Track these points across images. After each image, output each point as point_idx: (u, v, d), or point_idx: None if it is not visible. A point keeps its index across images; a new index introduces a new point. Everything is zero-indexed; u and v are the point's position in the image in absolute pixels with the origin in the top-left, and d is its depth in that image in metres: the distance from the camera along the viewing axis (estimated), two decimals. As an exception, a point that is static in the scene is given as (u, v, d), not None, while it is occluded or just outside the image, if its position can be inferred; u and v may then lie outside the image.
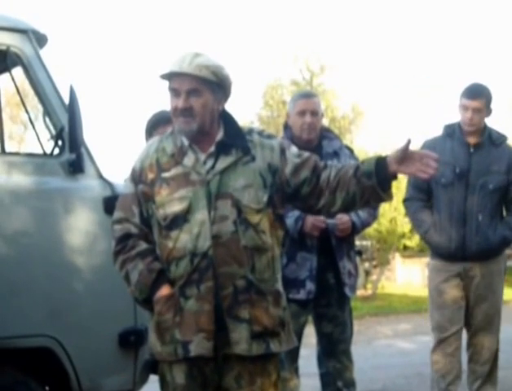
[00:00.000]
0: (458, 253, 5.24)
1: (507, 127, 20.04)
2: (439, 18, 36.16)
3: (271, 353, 3.28)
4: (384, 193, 3.24)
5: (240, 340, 3.18)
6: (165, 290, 3.23)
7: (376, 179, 3.20)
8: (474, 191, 5.21)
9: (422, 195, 5.40)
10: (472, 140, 5.27)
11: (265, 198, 3.25)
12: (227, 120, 3.36)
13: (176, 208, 3.22)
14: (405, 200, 5.54)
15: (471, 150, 5.26)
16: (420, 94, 23.26)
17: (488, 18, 36.15)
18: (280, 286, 3.35)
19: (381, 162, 3.21)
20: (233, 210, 3.19)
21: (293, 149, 3.39)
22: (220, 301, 3.17)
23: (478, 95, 5.23)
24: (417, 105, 23.11)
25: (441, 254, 5.34)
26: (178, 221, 3.21)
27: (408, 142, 3.15)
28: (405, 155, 3.17)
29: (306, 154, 3.37)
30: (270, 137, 3.40)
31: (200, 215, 3.19)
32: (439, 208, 5.30)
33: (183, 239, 3.20)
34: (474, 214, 5.20)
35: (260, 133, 3.39)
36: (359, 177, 3.22)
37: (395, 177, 3.24)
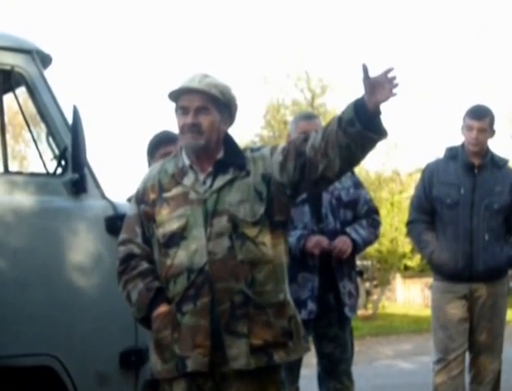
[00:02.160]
0: (465, 273, 5.22)
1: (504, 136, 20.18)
2: (437, 27, 36.22)
3: (273, 369, 3.30)
4: (375, 134, 3.11)
5: (239, 355, 3.19)
6: (162, 308, 3.26)
7: (359, 123, 3.07)
8: (480, 211, 5.22)
9: (425, 217, 5.39)
10: (476, 161, 5.29)
11: (261, 210, 3.28)
12: (228, 141, 3.41)
13: (174, 225, 3.27)
14: (408, 223, 5.54)
15: (475, 171, 5.28)
16: (419, 95, 23.27)
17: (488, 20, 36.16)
18: (286, 295, 3.36)
19: (359, 104, 3.09)
20: (229, 226, 3.23)
21: (278, 148, 3.36)
22: (218, 317, 3.19)
23: (482, 116, 5.25)
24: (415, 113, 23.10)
25: (447, 275, 5.30)
26: (176, 238, 3.26)
27: (364, 68, 3.08)
28: (372, 84, 3.08)
29: (287, 145, 3.34)
30: (260, 148, 3.43)
31: (197, 232, 3.23)
32: (445, 228, 5.30)
33: (180, 255, 3.24)
34: (480, 234, 5.21)
35: (252, 149, 3.45)
36: (344, 127, 3.10)
37: (378, 112, 3.11)
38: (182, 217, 3.26)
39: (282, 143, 3.46)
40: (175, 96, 3.33)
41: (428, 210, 5.38)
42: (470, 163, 5.29)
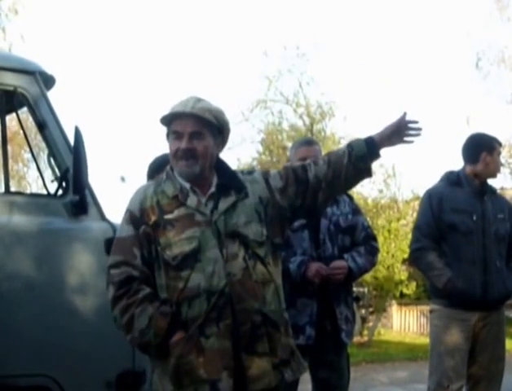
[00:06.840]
0: (481, 300, 5.18)
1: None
2: (435, 56, 36.36)
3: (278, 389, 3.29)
4: (370, 173, 3.42)
5: (262, 374, 3.19)
6: (180, 333, 3.19)
7: (370, 162, 3.37)
8: (491, 238, 5.24)
9: (434, 244, 5.27)
10: (483, 188, 5.34)
11: (264, 230, 3.31)
12: (220, 164, 3.42)
13: (186, 248, 3.21)
14: (415, 250, 5.38)
15: (484, 197, 5.32)
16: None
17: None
18: (286, 314, 3.42)
19: (371, 144, 3.36)
20: (241, 247, 3.24)
21: (274, 174, 3.45)
22: (239, 338, 3.18)
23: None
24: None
25: (461, 302, 5.20)
26: (189, 260, 3.21)
27: (404, 114, 3.33)
28: (397, 130, 3.36)
29: (284, 171, 3.45)
30: (250, 172, 3.49)
31: (212, 254, 3.21)
32: (458, 256, 5.22)
33: (195, 278, 3.19)
34: (493, 260, 5.22)
35: (242, 172, 3.50)
36: (354, 162, 3.34)
37: (379, 155, 3.41)
38: (192, 239, 3.22)
39: (272, 169, 3.52)
40: (168, 120, 3.30)
41: (437, 237, 5.28)
42: (478, 189, 5.32)
